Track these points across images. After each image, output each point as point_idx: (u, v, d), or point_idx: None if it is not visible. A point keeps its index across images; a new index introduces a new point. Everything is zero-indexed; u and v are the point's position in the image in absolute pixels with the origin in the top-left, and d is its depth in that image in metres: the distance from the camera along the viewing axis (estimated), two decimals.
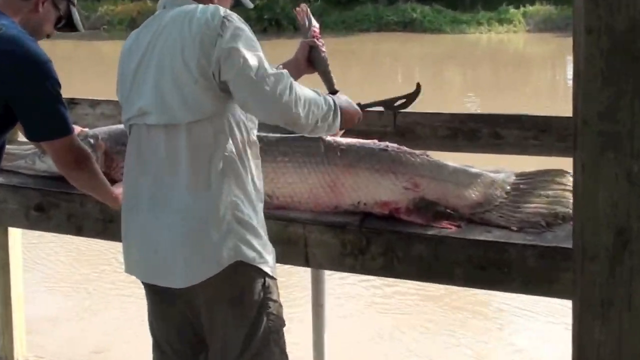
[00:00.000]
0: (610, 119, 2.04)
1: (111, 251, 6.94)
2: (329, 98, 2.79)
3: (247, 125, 2.68)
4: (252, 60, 2.49)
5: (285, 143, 3.27)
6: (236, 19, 2.56)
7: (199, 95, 2.52)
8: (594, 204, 2.12)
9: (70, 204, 3.57)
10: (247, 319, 2.65)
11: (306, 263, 3.18)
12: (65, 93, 2.94)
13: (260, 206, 2.71)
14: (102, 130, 3.78)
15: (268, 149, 3.19)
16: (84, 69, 23.64)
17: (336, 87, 3.36)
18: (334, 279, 5.90)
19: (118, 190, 3.05)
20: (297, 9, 3.53)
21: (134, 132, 2.71)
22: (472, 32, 36.51)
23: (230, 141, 2.59)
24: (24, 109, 2.83)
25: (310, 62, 3.41)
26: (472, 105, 16.50)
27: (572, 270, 2.26)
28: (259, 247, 2.63)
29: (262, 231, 2.69)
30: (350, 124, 3.01)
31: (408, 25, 38.32)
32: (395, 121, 3.53)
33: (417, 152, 3.25)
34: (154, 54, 2.60)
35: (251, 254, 2.60)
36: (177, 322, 2.79)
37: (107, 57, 28.81)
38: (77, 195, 3.50)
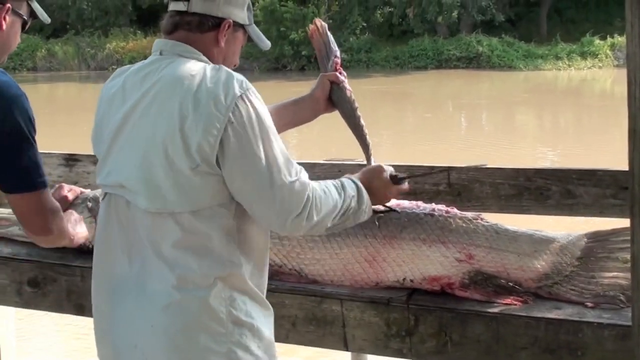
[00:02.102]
0: None
1: None
2: (348, 181, 2.78)
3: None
4: (265, 162, 2.47)
5: None
6: (253, 96, 2.52)
7: (199, 183, 2.50)
8: None
9: (69, 279, 3.61)
10: None
11: (345, 347, 3.20)
12: (66, 148, 2.97)
13: (264, 300, 2.69)
14: (97, 193, 3.76)
15: None
16: (88, 118, 23.89)
17: (366, 130, 3.30)
18: None
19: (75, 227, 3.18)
20: (311, 26, 3.42)
21: (110, 201, 2.68)
22: (548, 68, 36.52)
23: (232, 231, 2.58)
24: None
25: (332, 101, 3.34)
26: (549, 156, 16.43)
27: (634, 343, 2.27)
28: (258, 352, 2.60)
29: (266, 329, 2.66)
30: (382, 200, 3.02)
31: (473, 61, 38.48)
32: (449, 178, 3.57)
33: (470, 215, 3.27)
34: (145, 121, 2.56)
35: (247, 358, 2.57)
36: None
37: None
38: (78, 268, 3.57)
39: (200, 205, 2.52)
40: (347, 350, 3.26)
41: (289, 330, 3.18)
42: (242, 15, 2.79)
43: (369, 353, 3.36)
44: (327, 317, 3.16)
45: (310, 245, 3.24)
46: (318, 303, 3.17)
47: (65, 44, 44.77)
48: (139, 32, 45.07)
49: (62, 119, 22.66)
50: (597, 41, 38.15)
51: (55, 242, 3.11)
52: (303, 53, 38.54)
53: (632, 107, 2.09)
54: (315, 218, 2.57)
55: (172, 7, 2.75)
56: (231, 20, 2.74)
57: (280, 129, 2.77)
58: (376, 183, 2.92)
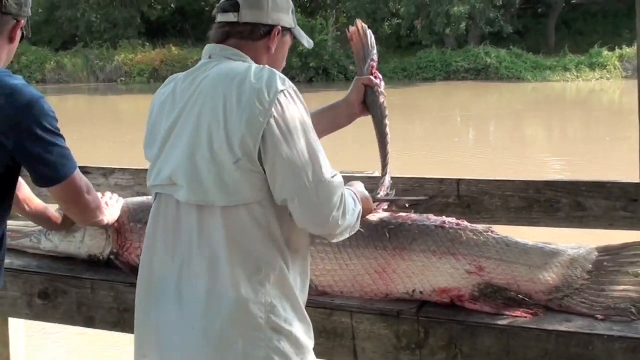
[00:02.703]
0: None
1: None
2: (354, 197, 2.80)
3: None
4: (307, 156, 2.50)
5: None
6: (294, 94, 2.57)
7: (240, 177, 2.52)
8: None
9: (80, 291, 3.64)
10: None
11: (355, 359, 3.20)
12: (75, 157, 3.02)
13: (303, 309, 2.70)
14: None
15: None
16: (97, 130, 23.99)
17: (389, 140, 3.35)
18: None
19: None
20: (352, 27, 3.44)
21: (161, 201, 2.74)
22: (557, 80, 36.52)
23: (274, 232, 2.60)
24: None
25: (366, 105, 3.36)
26: (557, 168, 16.41)
27: None
28: (296, 358, 2.61)
29: (304, 337, 2.67)
30: (367, 214, 3.07)
31: (481, 73, 38.49)
32: (459, 190, 3.58)
33: (480, 227, 3.28)
34: (191, 117, 2.62)
35: None
36: None
37: (125, 115, 29.31)
38: (89, 281, 3.59)
39: (240, 201, 2.55)
40: None
41: None
42: (288, 19, 2.86)
43: None
44: (337, 330, 3.17)
45: (321, 256, 3.26)
46: (328, 315, 3.18)
47: (74, 56, 44.82)
48: (148, 44, 45.13)
49: (72, 131, 22.68)
50: (605, 52, 38.12)
51: (94, 218, 3.24)
52: (311, 65, 38.60)
53: None
54: (347, 216, 2.59)
55: (222, 18, 2.80)
56: (280, 27, 2.82)
57: (319, 135, 2.76)
58: (368, 203, 3.02)
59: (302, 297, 2.73)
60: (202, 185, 2.56)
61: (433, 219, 3.32)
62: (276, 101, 2.50)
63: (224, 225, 2.56)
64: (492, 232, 3.27)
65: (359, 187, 3.00)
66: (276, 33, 2.81)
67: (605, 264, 3.21)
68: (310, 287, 3.12)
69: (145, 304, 2.76)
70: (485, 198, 3.66)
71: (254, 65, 2.65)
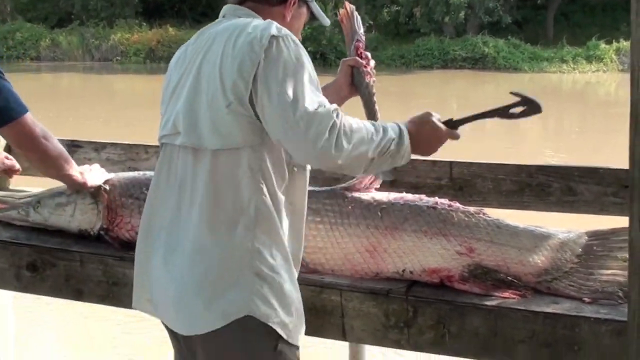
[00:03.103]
0: None
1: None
2: (391, 124, 2.75)
3: (290, 164, 2.75)
4: (292, 93, 2.53)
5: (317, 199, 3.31)
6: (290, 41, 2.62)
7: (231, 121, 2.60)
8: None
9: (68, 263, 3.64)
10: None
11: (343, 337, 3.22)
12: (67, 134, 3.05)
13: (289, 259, 2.75)
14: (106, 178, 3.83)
15: None
16: (90, 107, 23.93)
17: (378, 117, 3.31)
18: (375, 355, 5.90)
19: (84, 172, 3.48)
20: (342, 10, 3.46)
21: (166, 152, 2.82)
22: (553, 71, 36.50)
23: (267, 179, 2.66)
24: None
25: (354, 86, 3.37)
26: (551, 158, 16.43)
27: (628, 340, 2.28)
28: (276, 305, 2.66)
29: (289, 287, 2.72)
30: (431, 148, 2.88)
31: (479, 62, 38.46)
32: (451, 172, 3.59)
33: (472, 209, 3.30)
34: (194, 67, 2.72)
35: (264, 309, 2.64)
36: None
37: (119, 94, 29.21)
38: (78, 254, 3.60)
39: (232, 144, 2.61)
40: (345, 340, 3.28)
41: None
42: None
43: (367, 343, 3.38)
44: (327, 307, 3.18)
45: (313, 233, 3.27)
46: (317, 293, 3.19)
47: (70, 34, 44.65)
48: (144, 24, 44.99)
49: (66, 109, 22.66)
50: (602, 45, 38.09)
51: (60, 169, 3.41)
52: (309, 49, 38.24)
53: (635, 94, 2.11)
54: (345, 145, 2.54)
55: None
56: None
57: None
58: (427, 127, 2.83)
59: (294, 253, 2.78)
60: (196, 129, 2.64)
61: (425, 199, 3.34)
62: (267, 44, 2.56)
63: (215, 169, 2.63)
64: (484, 214, 3.29)
65: (419, 118, 2.85)
66: (293, 2, 2.88)
67: (595, 248, 3.23)
68: (301, 264, 3.14)
69: (142, 253, 2.85)
70: (478, 181, 3.70)
71: (257, 20, 2.72)
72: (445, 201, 3.33)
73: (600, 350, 2.82)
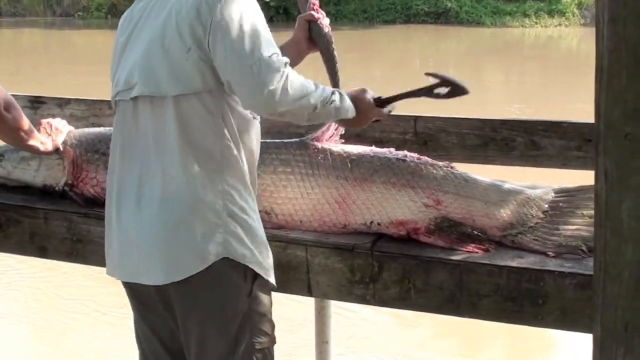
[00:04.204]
0: (637, 120, 2.08)
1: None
2: (335, 91, 2.83)
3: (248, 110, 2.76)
4: (247, 39, 2.57)
5: (288, 150, 3.34)
6: None
7: (190, 66, 2.62)
8: (618, 218, 2.16)
9: (32, 221, 3.61)
10: (227, 333, 2.73)
11: (309, 292, 3.23)
12: (30, 90, 3.02)
13: (254, 199, 2.80)
14: (71, 134, 3.81)
15: (267, 157, 3.27)
16: (52, 62, 23.73)
17: (338, 67, 3.32)
18: (342, 310, 5.95)
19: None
20: None
21: (120, 110, 2.81)
22: (516, 25, 36.54)
23: (225, 123, 2.68)
24: None
25: (312, 40, 3.39)
26: (515, 114, 16.49)
27: (594, 291, 2.31)
28: (251, 245, 2.71)
29: (259, 227, 2.77)
30: (359, 124, 3.04)
31: (441, 17, 38.40)
32: (416, 127, 3.58)
33: (440, 163, 3.31)
34: (148, 19, 2.72)
35: (240, 250, 2.68)
36: (158, 329, 2.89)
37: (81, 50, 28.97)
38: (42, 210, 3.57)
39: (191, 89, 2.63)
40: (310, 295, 3.29)
41: None
42: None
43: (333, 299, 3.40)
44: (292, 263, 3.18)
45: (283, 184, 3.29)
46: (283, 249, 3.18)
47: None
48: None
49: (27, 64, 22.46)
50: (564, 0, 38.19)
51: (13, 137, 3.44)
52: (272, 4, 38.32)
53: (600, 46, 2.11)
54: (290, 94, 2.59)
55: None
56: None
57: None
58: (363, 104, 2.97)
59: (254, 194, 2.82)
60: (154, 77, 2.65)
61: (394, 152, 3.36)
62: None
63: (176, 116, 2.64)
64: (452, 167, 3.31)
65: (356, 91, 3.00)
66: None
67: (561, 204, 3.24)
68: (269, 214, 3.18)
69: (110, 209, 2.84)
70: (442, 135, 3.71)
71: None
72: (414, 154, 3.34)
73: (564, 304, 2.83)
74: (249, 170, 2.77)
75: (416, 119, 3.69)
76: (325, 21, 3.36)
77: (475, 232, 3.16)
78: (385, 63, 25.55)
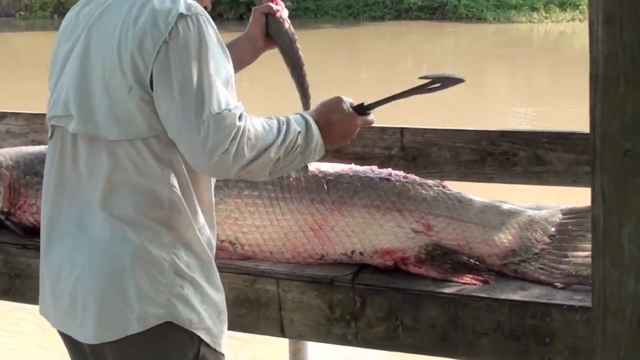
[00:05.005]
0: (637, 135, 2.08)
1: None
2: (295, 115, 2.74)
3: None
4: (195, 90, 2.49)
5: None
6: (201, 22, 2.55)
7: (133, 108, 2.54)
8: (618, 245, 2.15)
9: None
10: None
11: (281, 332, 3.22)
12: None
13: (210, 255, 2.74)
14: (7, 154, 3.79)
15: (230, 180, 3.23)
16: None
17: (305, 69, 3.29)
18: (320, 353, 5.93)
19: None
20: None
21: (57, 135, 2.75)
22: (522, 21, 36.61)
23: (175, 172, 2.62)
24: None
25: (270, 36, 3.36)
26: (521, 120, 16.53)
27: (592, 330, 2.30)
28: (199, 308, 2.65)
29: (211, 288, 2.71)
30: (344, 140, 2.91)
31: (437, 12, 38.45)
32: (402, 140, 3.58)
33: (430, 182, 3.30)
34: (90, 38, 2.65)
35: (187, 314, 2.62)
36: None
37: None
38: None
39: (134, 135, 2.57)
40: (284, 336, 3.29)
41: None
42: None
43: (309, 340, 3.40)
44: (261, 299, 3.18)
45: (250, 209, 3.27)
46: (251, 282, 3.18)
47: None
48: None
49: None
50: None
51: None
52: (242, 0, 38.41)
53: (594, 50, 2.09)
54: (247, 155, 2.52)
55: None
56: None
57: None
58: (336, 116, 2.83)
59: (211, 244, 2.75)
60: (92, 116, 2.59)
61: (377, 170, 3.35)
62: (174, 24, 2.50)
63: (118, 161, 2.59)
64: (443, 187, 3.30)
65: (325, 107, 2.86)
66: None
67: (570, 227, 3.24)
68: (234, 245, 3.15)
69: (45, 244, 2.79)
70: (433, 150, 3.69)
71: None
72: (400, 172, 3.34)
73: (574, 342, 2.83)
74: (205, 221, 2.73)
75: (403, 130, 3.67)
76: (284, 14, 3.34)
77: (472, 261, 3.16)
78: (373, 65, 25.56)
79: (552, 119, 15.86)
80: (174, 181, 2.62)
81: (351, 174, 3.31)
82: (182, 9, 2.53)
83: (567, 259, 3.13)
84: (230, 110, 2.51)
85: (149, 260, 2.59)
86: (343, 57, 24.08)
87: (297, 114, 2.77)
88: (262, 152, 2.57)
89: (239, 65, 3.39)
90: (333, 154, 3.59)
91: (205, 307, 2.67)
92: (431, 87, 2.96)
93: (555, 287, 3.02)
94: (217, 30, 2.61)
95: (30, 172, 3.64)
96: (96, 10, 2.68)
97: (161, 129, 2.57)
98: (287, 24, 3.33)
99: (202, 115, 2.47)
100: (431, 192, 3.25)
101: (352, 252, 3.23)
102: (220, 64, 2.57)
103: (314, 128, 2.72)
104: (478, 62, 25.98)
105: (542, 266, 3.12)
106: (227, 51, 2.63)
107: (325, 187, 3.27)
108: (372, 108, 2.95)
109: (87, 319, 2.62)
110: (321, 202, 3.26)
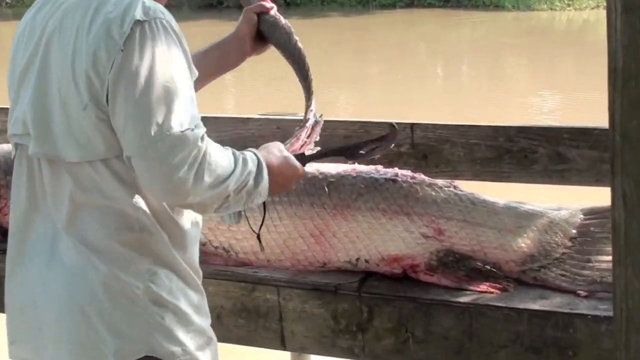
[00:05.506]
0: None
1: None
2: (249, 152, 2.66)
3: None
4: (154, 105, 2.40)
5: None
6: (161, 28, 2.46)
7: (89, 127, 2.46)
8: None
9: None
10: None
11: (282, 345, 3.21)
12: None
13: (195, 277, 2.68)
14: None
15: None
16: None
17: (308, 64, 3.28)
18: None
19: None
20: None
21: (21, 154, 2.69)
22: (544, 9, 36.69)
23: (139, 190, 2.54)
24: None
25: (262, 36, 3.30)
26: (543, 116, 16.53)
27: (615, 345, 2.28)
28: (184, 338, 2.60)
29: (198, 315, 2.66)
30: (285, 188, 2.85)
31: None
32: (413, 137, 3.56)
33: (441, 182, 3.28)
34: (49, 49, 2.56)
35: (167, 346, 2.57)
36: None
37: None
38: None
39: (94, 156, 2.49)
40: (284, 349, 3.27)
41: (212, 325, 3.15)
42: None
43: (312, 353, 3.39)
44: (260, 309, 3.17)
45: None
46: (249, 291, 3.17)
47: None
48: None
49: None
50: None
51: None
52: None
53: (613, 41, 2.08)
54: (206, 180, 2.44)
55: None
56: None
57: (205, 80, 2.80)
58: (284, 163, 2.76)
59: (190, 261, 2.68)
60: (50, 135, 2.52)
61: (383, 170, 3.32)
62: (130, 33, 2.41)
63: (81, 183, 2.52)
64: (455, 187, 3.28)
65: (273, 148, 2.80)
66: None
67: (592, 229, 3.22)
68: (229, 254, 3.12)
69: (12, 270, 2.74)
70: (446, 147, 3.67)
71: None
72: (407, 172, 3.31)
73: (599, 355, 2.81)
74: (188, 241, 2.67)
75: (413, 126, 3.65)
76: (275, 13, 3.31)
77: (488, 268, 3.14)
78: (383, 57, 25.60)
79: (576, 114, 15.84)
80: (142, 202, 2.55)
81: (354, 174, 3.29)
82: (138, 14, 2.43)
83: (591, 264, 3.11)
84: (193, 130, 2.43)
85: (120, 290, 2.52)
86: (351, 48, 24.09)
87: (250, 150, 2.69)
88: (221, 182, 2.49)
89: (223, 68, 3.37)
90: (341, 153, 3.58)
91: (192, 336, 2.62)
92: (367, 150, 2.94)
93: (579, 295, 3.00)
94: (181, 35, 2.53)
95: (12, 172, 3.62)
96: (53, 15, 2.58)
97: (120, 149, 2.48)
98: (283, 19, 3.29)
99: (162, 132, 2.39)
100: (442, 194, 3.23)
101: (357, 259, 3.21)
102: (183, 75, 2.49)
103: (265, 171, 2.65)
104: (496, 52, 26.02)
105: (563, 272, 3.11)
106: (191, 61, 2.55)
107: (326, 189, 3.25)
108: (314, 159, 2.93)
109: (61, 350, 2.57)
110: (322, 205, 3.23)
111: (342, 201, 3.23)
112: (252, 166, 2.60)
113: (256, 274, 3.20)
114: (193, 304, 2.64)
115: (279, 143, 2.81)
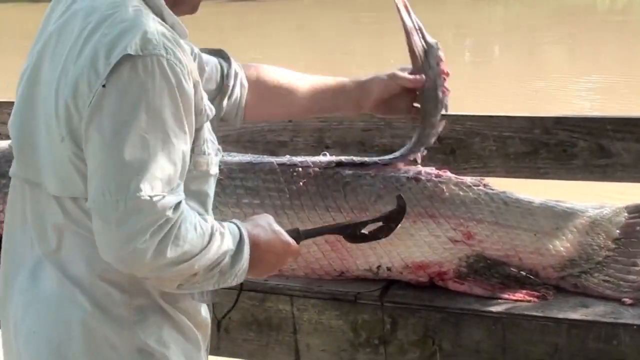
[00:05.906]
0: None
1: None
2: (231, 224, 2.57)
3: None
4: (126, 157, 2.27)
5: (255, 174, 3.26)
6: (156, 66, 2.31)
7: (68, 162, 2.39)
8: None
9: None
10: None
11: (296, 358, 3.20)
12: None
13: (192, 327, 2.61)
14: None
15: (229, 184, 3.22)
16: None
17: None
18: None
19: None
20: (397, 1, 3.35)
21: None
22: None
23: None
24: None
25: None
26: (584, 104, 16.50)
27: None
28: None
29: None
30: (270, 271, 2.74)
31: None
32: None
33: (469, 181, 3.26)
34: (42, 60, 2.51)
35: None
36: None
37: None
38: None
39: (72, 191, 2.42)
40: None
41: (220, 339, 3.17)
42: None
43: None
44: (273, 320, 3.17)
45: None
46: (260, 301, 3.17)
47: None
48: None
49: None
50: None
51: None
52: None
53: None
54: (168, 255, 2.32)
55: None
56: None
57: (304, 111, 2.88)
58: (273, 239, 2.68)
59: (180, 302, 2.59)
60: (36, 160, 2.48)
61: (404, 169, 3.30)
62: (116, 67, 2.27)
63: (64, 215, 2.46)
64: (485, 186, 3.26)
65: (261, 221, 2.71)
66: None
67: (638, 229, 3.20)
68: None
69: (4, 290, 2.71)
70: (476, 140, 3.65)
71: (131, 5, 2.41)
72: (431, 170, 3.28)
73: None
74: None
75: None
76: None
77: (523, 274, 3.13)
78: (403, 42, 25.59)
79: (621, 102, 15.81)
80: None
81: (372, 174, 3.26)
82: (132, 47, 2.29)
83: (637, 268, 3.10)
84: (164, 197, 2.31)
85: (102, 335, 2.46)
86: (366, 30, 24.08)
87: (234, 223, 2.61)
88: (186, 260, 2.37)
89: (331, 110, 3.30)
90: (357, 144, 3.57)
91: None
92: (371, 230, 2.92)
93: (624, 303, 2.99)
94: (185, 77, 2.37)
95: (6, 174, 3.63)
96: (58, 21, 2.50)
97: None
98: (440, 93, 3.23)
99: (128, 192, 2.27)
100: (470, 193, 3.21)
101: (378, 267, 3.20)
102: (171, 129, 2.35)
103: (246, 249, 2.55)
104: (531, 34, 26.04)
105: (607, 278, 3.09)
106: (192, 109, 2.41)
107: (342, 191, 3.23)
108: (310, 237, 2.88)
109: None
110: (338, 209, 3.21)
111: (360, 204, 3.21)
112: (230, 243, 2.50)
113: (267, 283, 3.17)
114: (184, 352, 2.57)
115: (268, 216, 2.72)
